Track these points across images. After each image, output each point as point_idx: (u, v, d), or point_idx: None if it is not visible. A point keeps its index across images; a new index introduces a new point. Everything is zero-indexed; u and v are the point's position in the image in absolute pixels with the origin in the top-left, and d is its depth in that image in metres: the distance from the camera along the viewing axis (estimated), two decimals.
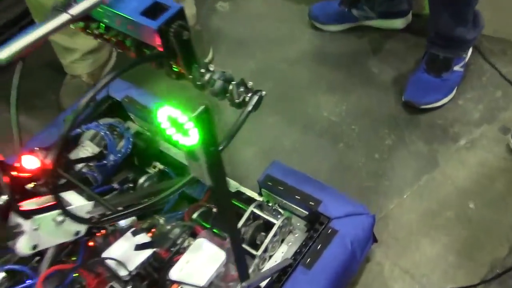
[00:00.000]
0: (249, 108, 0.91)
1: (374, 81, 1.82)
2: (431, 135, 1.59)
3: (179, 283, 1.10)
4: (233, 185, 1.43)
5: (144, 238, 1.22)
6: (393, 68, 1.85)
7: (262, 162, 1.37)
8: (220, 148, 0.83)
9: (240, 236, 1.27)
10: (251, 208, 1.30)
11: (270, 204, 1.37)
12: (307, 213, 1.31)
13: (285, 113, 1.77)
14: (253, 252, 1.23)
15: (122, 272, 1.14)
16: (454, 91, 1.73)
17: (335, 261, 1.17)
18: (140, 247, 1.20)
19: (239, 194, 1.37)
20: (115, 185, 1.37)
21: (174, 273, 1.13)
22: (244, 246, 1.25)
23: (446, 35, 1.66)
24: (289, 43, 2.01)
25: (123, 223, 1.29)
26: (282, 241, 1.31)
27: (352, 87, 1.81)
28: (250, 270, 1.19)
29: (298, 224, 1.34)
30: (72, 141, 1.43)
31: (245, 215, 1.29)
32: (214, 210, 1.39)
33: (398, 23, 1.96)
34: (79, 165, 1.41)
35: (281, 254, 1.29)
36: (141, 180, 1.44)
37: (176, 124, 0.73)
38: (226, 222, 0.91)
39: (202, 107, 0.70)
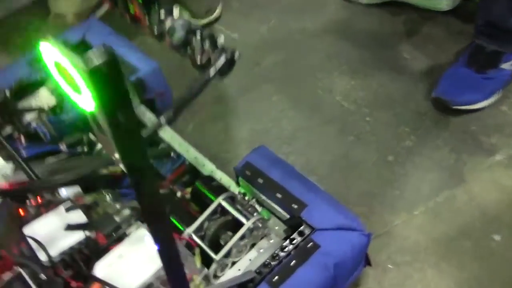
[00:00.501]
0: (211, 72, 0.66)
1: (403, 68, 1.53)
2: (461, 143, 1.30)
3: (102, 282, 0.86)
4: (208, 167, 1.18)
5: (79, 216, 0.98)
6: (428, 57, 1.55)
7: (253, 145, 1.12)
8: (163, 121, 0.58)
9: (200, 232, 1.03)
10: (220, 199, 1.04)
11: (246, 198, 1.11)
12: (288, 216, 1.05)
13: (292, 92, 1.50)
14: (212, 254, 0.98)
15: (42, 256, 0.91)
16: (498, 94, 1.42)
17: (309, 285, 0.91)
18: (71, 227, 0.97)
19: (210, 180, 1.11)
20: (62, 147, 1.12)
21: (100, 269, 0.89)
22: (202, 245, 1.00)
23: (498, 25, 1.35)
24: (312, 12, 1.73)
25: (64, 193, 1.06)
26: (253, 246, 1.05)
27: (375, 71, 1.52)
28: (199, 278, 0.94)
29: (277, 227, 1.08)
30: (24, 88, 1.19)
31: (211, 207, 1.04)
32: (179, 193, 1.14)
33: (443, 4, 1.64)
34: (29, 117, 1.18)
35: (248, 262, 1.03)
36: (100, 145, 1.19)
37: (66, 76, 0.48)
38: (148, 216, 0.65)
39: (100, 52, 0.43)
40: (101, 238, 0.99)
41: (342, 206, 1.02)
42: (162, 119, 0.81)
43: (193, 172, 1.19)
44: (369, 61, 1.56)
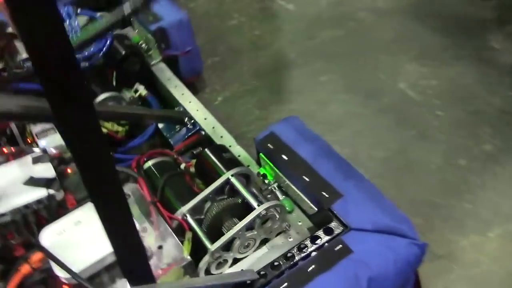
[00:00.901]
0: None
1: (490, 60, 1.24)
2: None
3: (45, 253, 0.63)
4: (226, 140, 0.94)
5: (47, 170, 0.77)
6: None
7: None
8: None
9: (199, 214, 0.78)
10: (229, 174, 0.80)
11: (266, 181, 0.86)
12: (316, 209, 0.78)
13: (346, 73, 1.25)
14: (207, 243, 0.73)
15: None
16: None
17: None
18: (32, 182, 0.75)
19: (222, 150, 0.87)
20: None
21: (48, 235, 0.66)
22: (196, 229, 0.75)
23: None
24: None
25: (42, 144, 0.86)
26: (266, 242, 0.80)
27: (455, 60, 1.25)
28: (180, 268, 0.69)
29: (300, 223, 0.82)
30: None
31: (216, 182, 0.79)
32: (182, 166, 0.90)
33: None
34: None
35: (254, 260, 0.78)
36: (100, 98, 0.98)
37: None
38: (93, 192, 0.43)
39: None
40: (71, 201, 0.77)
41: (390, 204, 0.75)
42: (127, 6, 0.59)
43: (208, 145, 0.96)
44: (448, 48, 1.28)
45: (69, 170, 0.82)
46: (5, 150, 0.84)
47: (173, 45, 1.09)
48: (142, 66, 1.09)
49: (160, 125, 1.03)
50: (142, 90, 1.06)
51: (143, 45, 1.09)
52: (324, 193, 0.75)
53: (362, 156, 1.07)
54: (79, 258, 0.64)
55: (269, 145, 0.83)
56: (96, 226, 0.66)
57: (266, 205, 0.75)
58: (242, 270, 0.70)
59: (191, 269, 0.72)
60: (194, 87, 1.17)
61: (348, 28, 1.36)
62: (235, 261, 0.78)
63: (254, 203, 0.76)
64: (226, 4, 1.44)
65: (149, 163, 0.87)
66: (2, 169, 0.77)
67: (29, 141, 0.90)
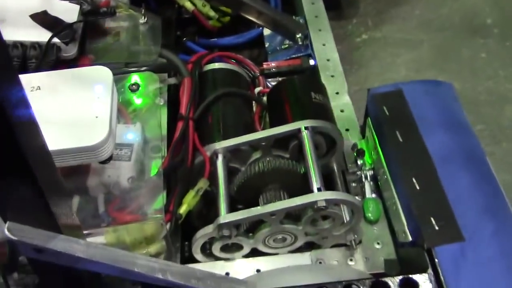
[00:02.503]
0: None
1: None
2: None
3: None
4: (337, 83, 0.63)
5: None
6: None
7: None
8: None
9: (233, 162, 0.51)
10: (301, 124, 0.50)
11: (360, 162, 0.54)
12: (410, 239, 0.46)
13: None
14: (222, 211, 0.46)
15: None
16: None
17: None
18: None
19: (317, 89, 0.56)
20: None
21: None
22: (221, 184, 0.48)
23: None
24: None
25: None
26: (312, 247, 0.50)
27: None
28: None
29: (378, 246, 0.50)
30: None
31: (279, 129, 0.50)
32: (257, 90, 0.62)
33: None
34: None
35: (280, 264, 0.49)
36: None
37: None
38: None
39: None
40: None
41: None
42: None
43: None
44: None
45: None
46: None
47: None
48: None
49: (266, 32, 0.74)
50: None
51: None
52: (433, 221, 0.42)
53: None
54: None
55: (385, 108, 0.50)
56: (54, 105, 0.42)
57: (330, 195, 0.45)
58: (240, 280, 0.42)
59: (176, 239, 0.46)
60: (339, 10, 0.85)
61: None
62: (254, 252, 0.50)
63: (315, 183, 0.46)
64: None
65: (213, 66, 0.61)
66: None
67: None
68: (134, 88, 0.49)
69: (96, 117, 0.40)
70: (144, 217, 0.41)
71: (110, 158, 0.41)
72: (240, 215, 0.46)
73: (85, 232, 0.43)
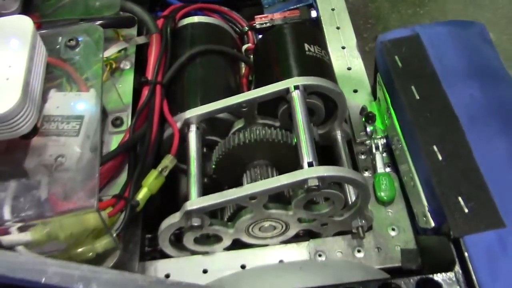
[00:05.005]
0: None
1: None
2: None
3: None
4: (346, 35, 0.52)
5: None
6: None
7: None
8: None
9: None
10: (291, 83, 0.39)
11: (369, 129, 0.44)
12: (432, 224, 0.35)
13: None
14: (192, 195, 0.36)
15: None
16: None
17: None
18: None
19: (314, 40, 0.45)
20: None
21: None
22: (192, 161, 0.39)
23: None
24: None
25: None
26: (312, 236, 0.40)
27: None
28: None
29: (393, 233, 0.40)
30: None
31: (265, 89, 0.40)
32: (244, 47, 0.51)
33: None
34: None
35: (268, 258, 0.39)
36: None
37: None
38: None
39: None
40: None
41: None
42: None
43: None
44: None
45: None
46: None
47: None
48: None
49: None
50: None
51: None
52: (461, 202, 0.32)
53: None
54: None
55: (397, 58, 0.39)
56: None
57: (323, 170, 0.34)
58: (187, 283, 0.32)
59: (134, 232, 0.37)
60: None
61: None
62: (236, 244, 0.40)
63: (305, 156, 0.36)
64: None
65: (189, 20, 0.50)
66: None
67: None
68: (72, 44, 0.39)
69: (7, 79, 0.31)
70: (76, 206, 0.32)
71: (33, 133, 0.32)
72: (212, 199, 0.36)
73: (25, 224, 0.35)
